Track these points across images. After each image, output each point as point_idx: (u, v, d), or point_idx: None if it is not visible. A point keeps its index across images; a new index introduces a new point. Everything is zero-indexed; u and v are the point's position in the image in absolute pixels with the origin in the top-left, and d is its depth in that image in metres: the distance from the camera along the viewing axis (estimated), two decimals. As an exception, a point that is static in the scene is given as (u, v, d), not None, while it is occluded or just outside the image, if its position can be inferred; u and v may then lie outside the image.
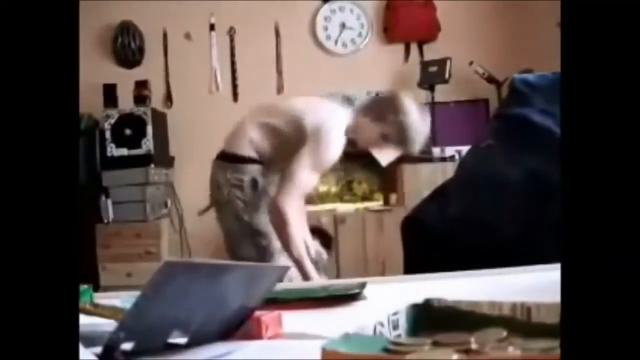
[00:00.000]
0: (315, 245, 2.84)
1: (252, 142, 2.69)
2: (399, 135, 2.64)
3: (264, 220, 2.64)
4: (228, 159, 2.74)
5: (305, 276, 2.50)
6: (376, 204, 4.82)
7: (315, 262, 2.70)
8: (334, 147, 2.60)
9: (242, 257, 2.62)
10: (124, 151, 4.48)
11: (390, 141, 2.67)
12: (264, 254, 2.63)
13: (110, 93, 4.66)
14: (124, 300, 0.96)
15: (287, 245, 2.55)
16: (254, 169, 2.69)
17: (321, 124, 2.58)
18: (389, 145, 2.68)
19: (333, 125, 2.61)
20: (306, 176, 2.55)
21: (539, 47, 4.58)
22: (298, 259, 2.52)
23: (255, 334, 0.83)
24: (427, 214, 1.96)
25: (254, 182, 2.67)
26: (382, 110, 2.67)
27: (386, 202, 4.76)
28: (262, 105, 2.92)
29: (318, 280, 2.38)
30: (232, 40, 5.03)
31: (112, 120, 4.49)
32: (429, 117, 2.79)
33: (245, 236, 2.66)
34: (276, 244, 2.66)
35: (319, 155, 2.56)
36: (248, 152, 2.70)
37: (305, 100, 2.82)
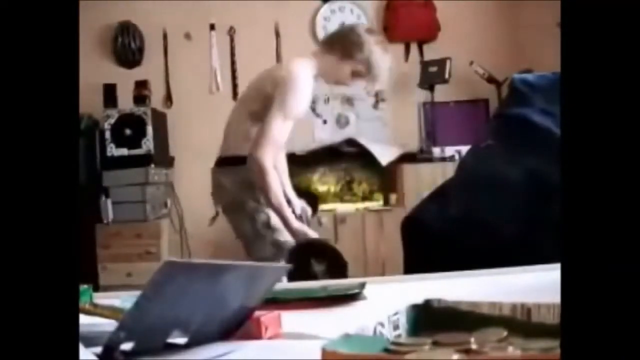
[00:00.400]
0: (300, 203, 2.96)
1: (248, 136, 2.71)
2: (368, 71, 2.76)
3: (272, 216, 2.73)
4: (231, 162, 2.79)
5: (286, 223, 2.64)
6: (376, 204, 4.82)
7: (300, 217, 2.85)
8: (302, 94, 2.68)
9: (262, 257, 2.70)
10: (124, 151, 4.48)
11: (360, 77, 2.79)
12: (282, 249, 2.71)
13: (110, 93, 4.66)
14: (124, 300, 0.96)
15: (265, 194, 2.64)
16: None
17: (287, 73, 2.68)
18: (360, 80, 2.82)
19: (298, 72, 2.69)
20: (278, 125, 2.62)
21: (539, 47, 4.58)
22: (277, 207, 2.63)
23: (254, 334, 0.83)
24: (427, 214, 1.96)
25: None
26: (348, 48, 2.76)
27: (386, 202, 4.77)
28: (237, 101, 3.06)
29: (299, 228, 2.65)
30: (232, 40, 5.03)
31: (112, 120, 4.49)
32: (389, 52, 2.92)
33: (263, 235, 2.74)
34: (285, 237, 2.74)
35: (288, 102, 2.63)
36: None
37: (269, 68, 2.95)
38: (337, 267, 2.61)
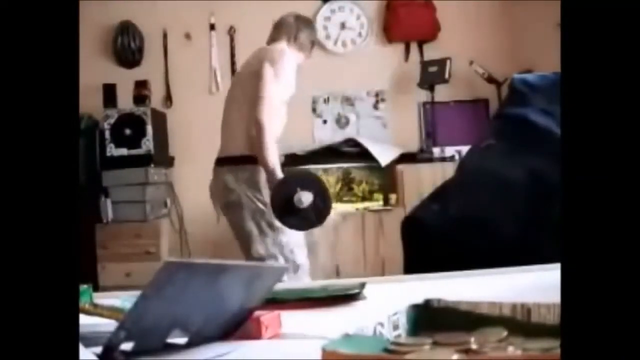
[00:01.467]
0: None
1: (250, 133, 2.78)
2: (312, 45, 3.19)
3: None
4: (234, 161, 2.84)
5: (273, 180, 2.72)
6: (376, 204, 4.82)
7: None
8: (287, 56, 2.94)
9: (262, 257, 2.76)
10: (123, 151, 4.48)
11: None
12: (283, 250, 2.76)
13: (110, 93, 4.66)
14: (123, 300, 0.96)
15: (261, 151, 2.73)
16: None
17: (269, 49, 2.98)
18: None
19: (279, 45, 3.00)
20: (271, 87, 2.80)
21: (539, 47, 4.58)
22: (272, 169, 2.72)
23: (254, 334, 0.83)
24: (427, 214, 1.96)
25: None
26: (298, 35, 3.09)
27: (386, 202, 4.76)
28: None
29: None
30: (232, 40, 5.03)
31: (112, 120, 4.49)
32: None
33: (266, 235, 2.79)
34: (294, 238, 2.80)
35: (277, 64, 2.85)
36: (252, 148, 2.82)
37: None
38: (323, 199, 2.68)
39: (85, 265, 4.13)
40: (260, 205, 2.80)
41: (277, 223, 2.77)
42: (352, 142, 4.87)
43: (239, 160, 2.85)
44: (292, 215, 2.70)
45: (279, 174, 2.75)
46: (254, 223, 2.80)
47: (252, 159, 2.80)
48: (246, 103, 2.82)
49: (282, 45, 3.01)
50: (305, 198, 2.65)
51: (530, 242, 1.65)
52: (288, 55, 2.94)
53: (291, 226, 2.76)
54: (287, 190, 2.67)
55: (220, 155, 2.96)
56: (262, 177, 2.79)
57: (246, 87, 2.85)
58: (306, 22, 3.17)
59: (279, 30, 3.11)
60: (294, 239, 2.82)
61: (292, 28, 3.06)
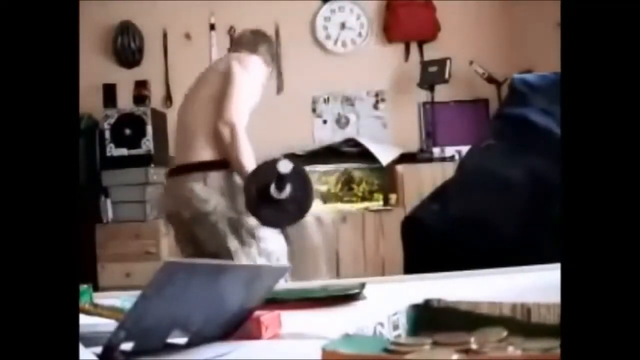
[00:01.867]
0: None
1: (218, 138, 2.56)
2: (272, 58, 2.98)
3: (256, 224, 2.53)
4: (201, 167, 2.57)
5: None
6: (376, 204, 4.82)
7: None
8: (258, 70, 2.78)
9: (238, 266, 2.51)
10: (123, 151, 4.48)
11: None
12: (270, 258, 2.55)
13: (110, 93, 4.67)
14: (123, 300, 0.96)
15: (235, 154, 2.50)
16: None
17: (241, 54, 2.81)
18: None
19: (252, 56, 2.83)
20: (242, 87, 2.61)
21: (539, 47, 4.58)
22: (248, 171, 2.45)
23: (254, 334, 0.83)
24: (427, 214, 1.96)
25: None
26: (258, 49, 2.90)
27: (386, 202, 4.76)
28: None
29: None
30: (232, 40, 5.03)
31: (112, 120, 4.50)
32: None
33: (250, 245, 2.54)
34: (278, 245, 2.60)
35: (249, 70, 2.69)
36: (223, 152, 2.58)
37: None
38: (304, 189, 2.34)
39: (85, 265, 4.13)
40: (238, 214, 2.53)
41: (259, 232, 2.53)
42: (352, 142, 4.87)
43: (207, 166, 2.56)
44: (268, 207, 2.32)
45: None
46: (234, 235, 2.54)
47: (223, 163, 2.55)
48: (212, 103, 2.60)
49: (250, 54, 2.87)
50: (285, 167, 2.21)
51: (530, 242, 1.65)
52: (257, 63, 2.80)
53: (268, 221, 2.45)
54: (263, 179, 2.31)
55: (180, 162, 2.66)
56: (236, 182, 2.54)
57: (214, 87, 2.64)
58: (264, 37, 3.02)
59: (239, 44, 2.96)
60: (277, 246, 2.60)
61: (251, 42, 2.91)
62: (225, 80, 2.61)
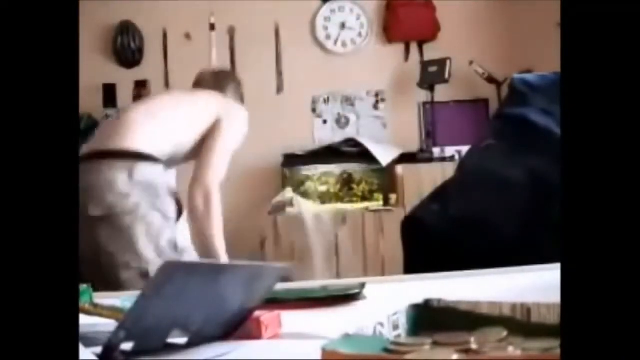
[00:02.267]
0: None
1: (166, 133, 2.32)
2: (241, 98, 2.74)
3: (181, 232, 2.29)
4: (132, 156, 2.16)
5: (213, 255, 2.24)
6: (376, 204, 4.82)
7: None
8: (244, 121, 2.50)
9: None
10: (123, 151, 4.48)
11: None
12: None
13: (109, 93, 4.67)
14: (123, 300, 0.96)
15: (207, 230, 2.26)
16: (160, 168, 2.26)
17: (228, 104, 2.54)
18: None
19: (236, 105, 2.58)
20: (226, 149, 2.38)
21: (539, 47, 4.58)
22: (218, 245, 2.25)
23: (254, 334, 0.83)
24: (427, 214, 1.96)
25: (172, 188, 2.32)
26: (229, 89, 2.68)
27: (386, 202, 4.76)
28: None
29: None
30: (232, 40, 5.03)
31: (112, 120, 4.49)
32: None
33: (168, 257, 2.08)
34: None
35: (233, 125, 2.42)
36: (160, 146, 2.26)
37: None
38: None
39: (85, 265, 4.12)
40: (162, 218, 2.15)
41: (181, 242, 2.20)
42: (352, 142, 4.87)
43: (137, 156, 2.16)
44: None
45: (224, 258, 2.24)
46: (149, 242, 2.10)
47: (154, 157, 2.20)
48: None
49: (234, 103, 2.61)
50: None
51: (530, 242, 1.65)
52: (243, 114, 2.52)
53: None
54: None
55: (109, 146, 2.18)
56: (162, 179, 2.21)
57: (197, 129, 2.41)
58: (231, 77, 2.85)
59: (202, 84, 2.69)
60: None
61: (217, 84, 2.65)
62: (209, 132, 2.36)
